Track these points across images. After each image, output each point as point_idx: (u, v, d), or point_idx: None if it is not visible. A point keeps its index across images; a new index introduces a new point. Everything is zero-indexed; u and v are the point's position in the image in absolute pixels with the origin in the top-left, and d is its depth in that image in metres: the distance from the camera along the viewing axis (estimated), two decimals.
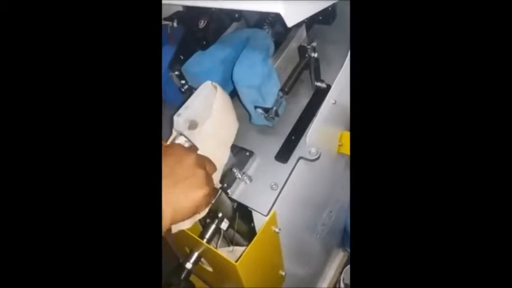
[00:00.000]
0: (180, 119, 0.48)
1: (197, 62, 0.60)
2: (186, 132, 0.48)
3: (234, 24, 0.70)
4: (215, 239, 0.61)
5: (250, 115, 0.61)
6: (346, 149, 0.73)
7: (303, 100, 0.66)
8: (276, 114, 0.58)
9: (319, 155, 0.57)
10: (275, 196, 0.54)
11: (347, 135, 0.72)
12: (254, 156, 0.58)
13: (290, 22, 0.40)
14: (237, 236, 0.66)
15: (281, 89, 0.58)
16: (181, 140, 0.48)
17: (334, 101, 0.63)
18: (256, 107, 0.57)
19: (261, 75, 0.53)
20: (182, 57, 0.63)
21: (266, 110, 0.57)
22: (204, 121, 0.48)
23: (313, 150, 0.57)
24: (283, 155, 0.59)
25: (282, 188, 0.55)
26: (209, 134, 0.48)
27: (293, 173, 0.57)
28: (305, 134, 0.60)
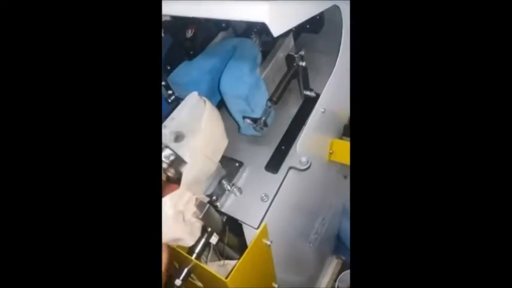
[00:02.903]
0: (166, 131, 0.47)
1: (184, 72, 0.59)
2: (172, 145, 0.46)
3: (221, 34, 0.69)
4: (205, 253, 0.59)
5: (238, 125, 0.60)
6: (337, 157, 0.73)
7: (292, 109, 0.65)
8: (265, 124, 0.57)
9: (310, 164, 0.56)
10: (265, 208, 0.53)
11: (338, 142, 0.72)
12: (244, 167, 0.57)
13: (276, 31, 0.39)
14: (228, 250, 0.65)
15: (269, 99, 0.57)
16: (167, 153, 0.46)
17: (323, 110, 0.63)
18: (244, 118, 0.56)
19: (248, 85, 0.52)
20: (169, 67, 0.62)
21: (254, 120, 0.56)
22: (191, 133, 0.47)
23: (304, 159, 0.56)
24: (273, 165, 0.58)
25: (272, 200, 0.54)
26: (198, 148, 0.47)
27: (284, 183, 0.56)
28: (295, 143, 0.60)
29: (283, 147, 0.60)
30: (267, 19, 0.36)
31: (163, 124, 0.48)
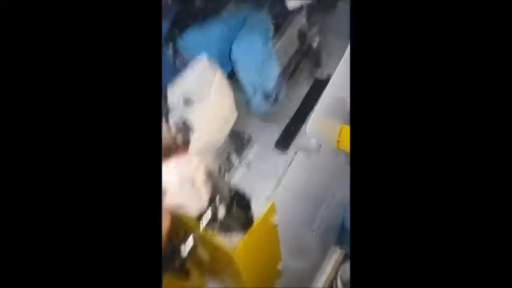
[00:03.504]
0: (175, 94, 0.46)
1: (193, 38, 0.57)
2: (180, 110, 0.45)
3: (232, 2, 0.65)
4: (211, 227, 0.59)
5: (249, 100, 0.59)
6: (345, 145, 0.71)
7: (302, 89, 0.64)
8: (276, 99, 0.56)
9: (320, 146, 0.56)
10: (274, 185, 0.52)
11: (346, 129, 0.70)
12: (253, 143, 0.56)
13: (291, 4, 0.38)
14: (235, 224, 0.64)
15: (281, 73, 0.56)
16: (175, 119, 0.45)
17: (334, 93, 0.61)
18: (255, 91, 0.55)
19: (260, 56, 0.51)
20: (177, 31, 0.61)
21: (266, 95, 0.55)
22: (199, 99, 0.46)
23: (313, 141, 0.55)
24: (283, 142, 0.57)
25: (281, 177, 0.53)
26: (206, 116, 0.46)
27: (293, 163, 0.55)
28: (305, 123, 0.59)
29: (292, 127, 0.59)
30: None
31: (172, 83, 0.46)
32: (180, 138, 0.45)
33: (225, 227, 0.60)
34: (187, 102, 0.46)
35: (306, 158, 0.59)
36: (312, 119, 0.57)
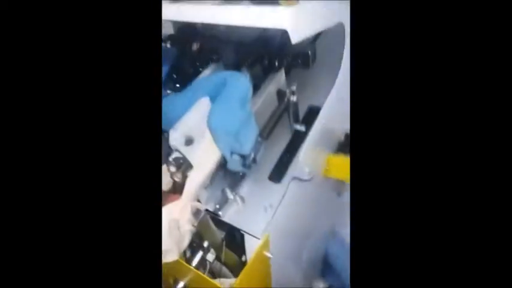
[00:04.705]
0: (177, 134, 0.47)
1: (170, 106, 0.52)
2: (182, 149, 0.47)
3: (212, 66, 0.65)
4: (200, 272, 0.56)
5: (226, 162, 0.53)
6: (333, 173, 0.71)
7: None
8: (254, 161, 0.52)
9: (313, 176, 0.57)
10: (269, 218, 0.53)
11: (333, 158, 0.70)
12: (247, 176, 0.58)
13: (295, 38, 0.40)
14: (225, 269, 0.62)
15: (260, 134, 0.53)
16: (175, 156, 0.47)
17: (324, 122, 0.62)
18: (232, 154, 0.50)
19: (238, 120, 0.48)
20: (175, 76, 0.63)
21: (243, 157, 0.51)
22: (200, 136, 0.48)
23: (307, 170, 0.56)
24: (277, 174, 0.57)
25: (275, 210, 0.54)
26: (205, 150, 0.47)
27: (286, 194, 0.55)
28: (298, 153, 0.58)
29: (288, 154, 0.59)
30: (289, 26, 0.38)
31: (174, 127, 0.49)
32: (179, 178, 0.46)
33: (215, 272, 0.57)
34: (188, 141, 0.48)
35: (299, 188, 0.59)
36: (305, 147, 0.58)
